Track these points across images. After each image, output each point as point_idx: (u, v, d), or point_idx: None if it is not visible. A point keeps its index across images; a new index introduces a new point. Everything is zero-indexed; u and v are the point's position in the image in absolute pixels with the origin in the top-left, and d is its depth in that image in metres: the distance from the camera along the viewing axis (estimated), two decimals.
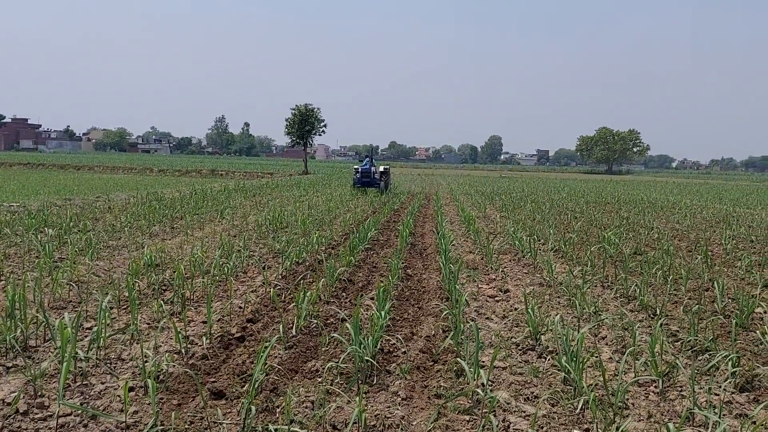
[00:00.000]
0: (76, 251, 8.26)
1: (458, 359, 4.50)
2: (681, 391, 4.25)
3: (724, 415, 3.86)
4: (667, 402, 4.08)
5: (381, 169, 25.85)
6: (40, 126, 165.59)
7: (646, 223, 15.68)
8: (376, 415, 3.74)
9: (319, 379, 4.30)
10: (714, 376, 4.53)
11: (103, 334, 4.67)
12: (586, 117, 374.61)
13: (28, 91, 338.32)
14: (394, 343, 5.12)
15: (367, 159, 26.03)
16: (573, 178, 70.39)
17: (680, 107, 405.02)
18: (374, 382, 4.30)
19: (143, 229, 11.00)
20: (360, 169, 25.17)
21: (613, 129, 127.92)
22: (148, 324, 5.44)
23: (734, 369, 4.44)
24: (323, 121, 52.77)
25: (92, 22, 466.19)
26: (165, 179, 35.80)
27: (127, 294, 6.03)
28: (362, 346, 4.49)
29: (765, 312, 6.29)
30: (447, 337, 5.17)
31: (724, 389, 4.21)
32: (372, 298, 6.59)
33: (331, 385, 4.19)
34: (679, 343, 5.33)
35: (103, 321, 4.76)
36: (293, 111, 51.67)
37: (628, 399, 4.10)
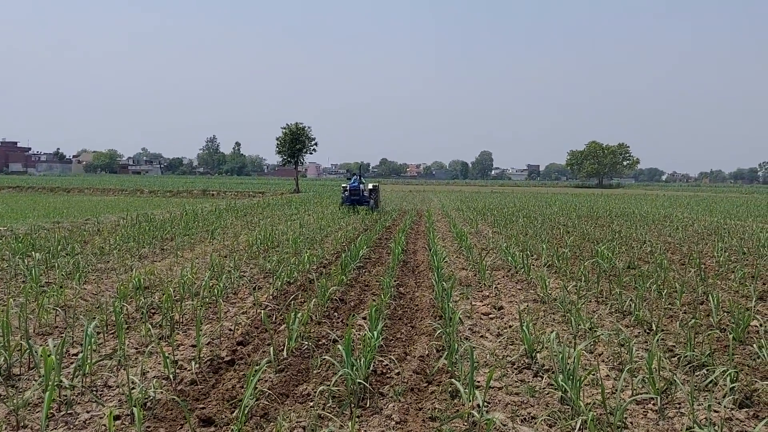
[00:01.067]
0: (63, 275, 8.15)
1: (453, 380, 4.41)
2: (680, 408, 4.18)
3: None
4: (666, 420, 4.00)
5: (370, 186, 25.15)
6: (29, 149, 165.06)
7: (638, 236, 15.67)
8: None
9: (311, 404, 4.20)
10: (713, 392, 4.46)
11: (89, 361, 4.55)
12: (575, 131, 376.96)
13: (17, 114, 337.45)
14: (387, 364, 5.02)
15: (356, 177, 25.32)
16: (564, 192, 70.60)
17: (669, 120, 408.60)
18: (367, 405, 4.20)
19: (132, 252, 10.88)
20: (348, 187, 24.52)
21: (603, 143, 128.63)
22: (136, 349, 5.33)
23: (733, 384, 4.37)
24: (314, 139, 52.80)
25: (81, 44, 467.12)
26: (156, 200, 35.62)
27: (114, 318, 5.93)
28: (355, 368, 4.40)
29: (761, 325, 6.23)
30: (441, 356, 5.09)
31: (724, 406, 4.14)
32: (364, 318, 6.49)
33: (323, 409, 4.09)
34: (676, 358, 5.26)
35: (89, 347, 4.65)
36: (284, 130, 51.68)
37: (626, 418, 4.02)
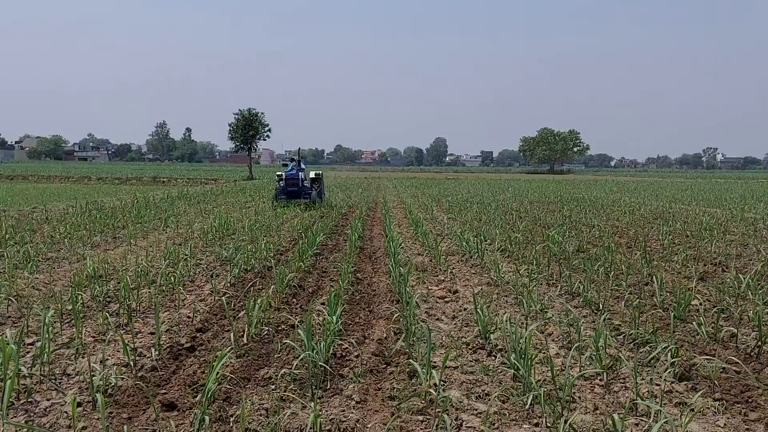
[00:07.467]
0: (13, 265, 7.97)
1: (410, 361, 4.56)
2: (624, 382, 4.42)
3: (665, 404, 4.04)
4: (611, 394, 4.24)
5: (312, 175, 20.83)
6: None
7: (587, 221, 16.14)
8: (331, 420, 3.76)
9: (273, 387, 4.29)
10: (655, 367, 4.72)
11: (47, 349, 4.53)
12: (527, 118, 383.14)
13: None
14: (347, 348, 5.14)
15: (294, 163, 20.42)
16: (517, 179, 71.71)
17: (619, 107, 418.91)
18: (328, 386, 4.31)
19: (84, 240, 10.69)
20: (284, 176, 19.62)
21: (554, 129, 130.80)
22: (94, 337, 5.30)
23: (673, 360, 4.64)
24: (267, 125, 52.29)
25: (21, 23, 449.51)
26: (104, 188, 34.82)
27: (70, 307, 5.87)
28: (315, 351, 4.50)
29: (700, 304, 6.58)
30: (399, 339, 5.23)
31: (665, 379, 4.40)
32: (323, 303, 6.59)
33: (285, 391, 4.18)
34: (621, 336, 5.53)
35: (47, 336, 4.63)
36: (236, 116, 51.00)
37: (575, 393, 4.24)
